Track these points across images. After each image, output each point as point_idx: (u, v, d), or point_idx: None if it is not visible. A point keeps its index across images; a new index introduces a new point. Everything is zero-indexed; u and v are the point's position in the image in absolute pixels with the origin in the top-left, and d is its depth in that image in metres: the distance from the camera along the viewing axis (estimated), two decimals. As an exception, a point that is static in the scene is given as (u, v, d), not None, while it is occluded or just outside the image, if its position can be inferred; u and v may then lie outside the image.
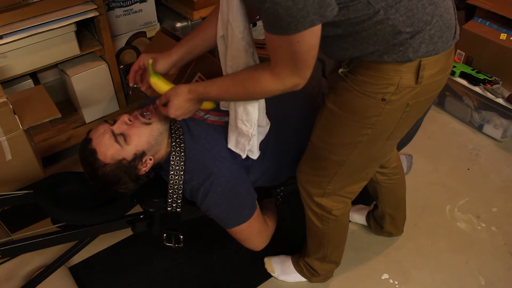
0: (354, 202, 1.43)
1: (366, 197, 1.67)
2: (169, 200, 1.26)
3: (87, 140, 1.19)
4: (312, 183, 1.28)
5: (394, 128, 1.09)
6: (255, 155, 1.25)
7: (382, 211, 1.65)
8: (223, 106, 1.31)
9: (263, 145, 1.31)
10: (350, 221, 1.75)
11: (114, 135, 1.17)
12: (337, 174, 1.21)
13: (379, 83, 0.99)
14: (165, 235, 1.34)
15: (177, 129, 1.27)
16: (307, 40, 0.86)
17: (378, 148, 1.15)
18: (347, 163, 1.17)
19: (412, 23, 0.92)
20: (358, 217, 1.79)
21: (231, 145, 1.24)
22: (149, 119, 1.21)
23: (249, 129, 1.17)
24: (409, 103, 1.03)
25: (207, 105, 1.24)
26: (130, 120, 1.20)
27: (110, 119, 1.24)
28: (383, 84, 0.99)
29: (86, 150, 1.18)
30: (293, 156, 1.36)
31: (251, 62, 1.06)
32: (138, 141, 1.19)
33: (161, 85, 1.20)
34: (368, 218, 1.77)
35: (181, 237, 1.35)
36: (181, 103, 1.12)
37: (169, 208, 1.27)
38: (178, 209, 1.27)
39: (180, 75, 1.67)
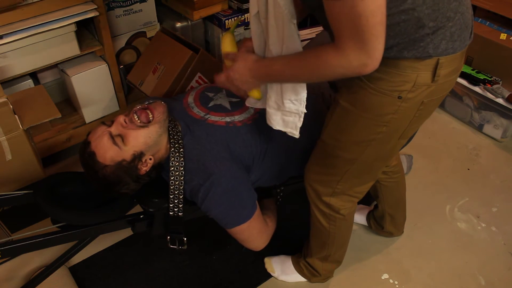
0: (354, 202, 1.43)
1: (367, 197, 1.66)
2: (171, 205, 1.26)
3: (86, 143, 1.20)
4: (321, 182, 1.27)
5: (407, 127, 1.08)
6: (297, 134, 1.18)
7: (382, 211, 1.65)
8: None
9: (263, 146, 1.31)
10: (350, 221, 1.75)
11: (112, 137, 1.17)
12: (348, 173, 1.20)
13: (395, 80, 0.98)
14: (168, 237, 1.35)
15: (175, 133, 1.27)
16: None
17: (391, 147, 1.14)
18: (359, 161, 1.16)
19: (436, 17, 0.91)
20: (358, 217, 1.79)
21: (279, 126, 1.17)
22: (147, 122, 1.21)
23: (298, 107, 1.12)
24: (424, 101, 1.02)
25: (255, 93, 1.17)
26: (125, 122, 1.20)
27: (109, 119, 1.23)
28: (399, 82, 0.98)
29: (86, 153, 1.19)
30: (293, 156, 1.36)
31: (295, 36, 1.00)
32: (135, 142, 1.19)
33: (227, 43, 1.17)
34: (368, 218, 1.77)
35: (185, 239, 1.35)
36: (242, 68, 1.09)
37: (171, 213, 1.27)
38: (180, 213, 1.27)
39: (180, 75, 1.67)
